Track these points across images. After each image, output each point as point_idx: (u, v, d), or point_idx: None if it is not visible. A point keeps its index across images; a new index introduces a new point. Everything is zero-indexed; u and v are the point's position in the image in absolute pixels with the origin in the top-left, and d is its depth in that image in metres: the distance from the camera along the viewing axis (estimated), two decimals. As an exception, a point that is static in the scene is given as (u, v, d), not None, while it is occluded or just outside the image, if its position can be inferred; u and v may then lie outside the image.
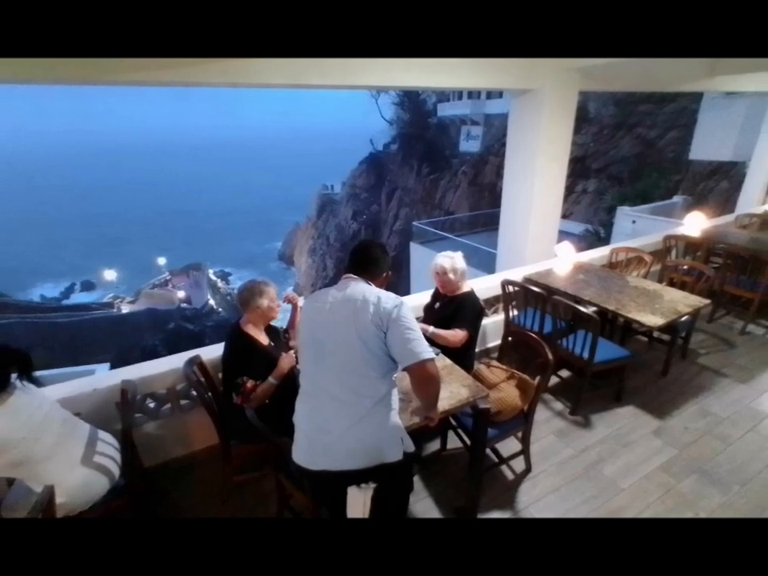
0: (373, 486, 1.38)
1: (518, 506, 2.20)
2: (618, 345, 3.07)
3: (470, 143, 24.18)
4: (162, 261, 33.93)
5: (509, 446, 2.37)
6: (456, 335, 2.35)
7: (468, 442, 2.21)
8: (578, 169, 15.60)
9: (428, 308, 2.75)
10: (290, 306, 2.44)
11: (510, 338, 3.39)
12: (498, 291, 3.42)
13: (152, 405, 2.39)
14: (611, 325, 3.57)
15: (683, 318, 2.94)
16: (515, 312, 3.39)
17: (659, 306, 2.89)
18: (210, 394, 2.18)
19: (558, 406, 2.96)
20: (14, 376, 1.57)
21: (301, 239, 34.03)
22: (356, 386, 1.39)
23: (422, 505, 2.20)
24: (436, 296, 2.72)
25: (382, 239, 21.74)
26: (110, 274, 34.86)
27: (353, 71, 2.73)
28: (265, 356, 2.09)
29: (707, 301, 3.05)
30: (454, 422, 2.33)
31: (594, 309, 2.99)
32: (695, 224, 4.78)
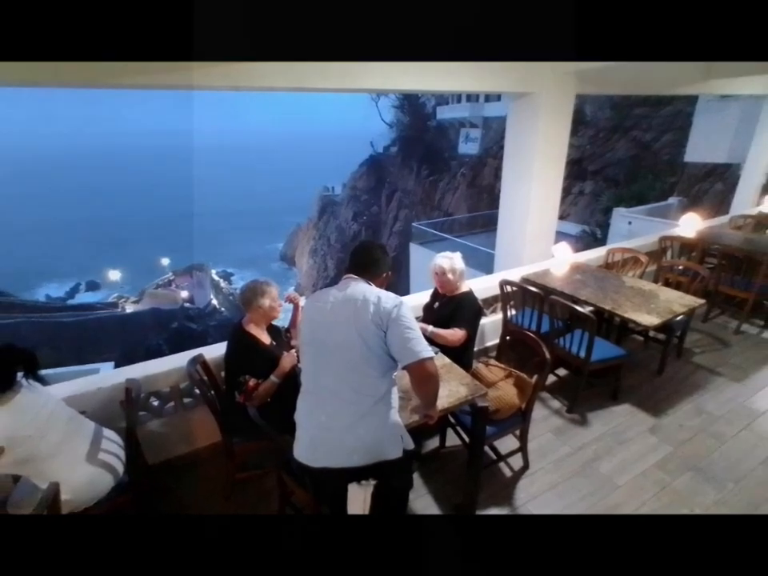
0: (373, 482, 1.40)
1: (515, 502, 2.23)
2: (614, 344, 3.11)
3: (468, 145, 24.25)
4: (165, 261, 33.82)
5: (507, 443, 2.40)
6: (455, 334, 2.38)
7: (467, 439, 2.24)
8: (575, 171, 15.63)
9: (427, 308, 2.78)
10: (291, 306, 2.46)
11: (508, 338, 3.43)
12: (497, 291, 3.45)
13: (156, 403, 2.41)
14: (608, 324, 3.60)
15: (678, 318, 2.98)
16: (513, 312, 3.42)
17: (655, 305, 2.92)
18: (212, 392, 2.21)
19: (556, 404, 2.99)
20: (20, 375, 1.59)
21: (302, 240, 34.02)
22: (357, 385, 1.41)
23: (422, 501, 2.23)
24: (435, 296, 2.75)
25: (382, 240, 21.74)
26: (114, 275, 34.74)
27: (353, 75, 2.76)
28: (267, 355, 2.11)
29: (702, 301, 3.08)
30: (452, 420, 2.36)
31: (591, 308, 3.02)
32: (690, 225, 4.83)
